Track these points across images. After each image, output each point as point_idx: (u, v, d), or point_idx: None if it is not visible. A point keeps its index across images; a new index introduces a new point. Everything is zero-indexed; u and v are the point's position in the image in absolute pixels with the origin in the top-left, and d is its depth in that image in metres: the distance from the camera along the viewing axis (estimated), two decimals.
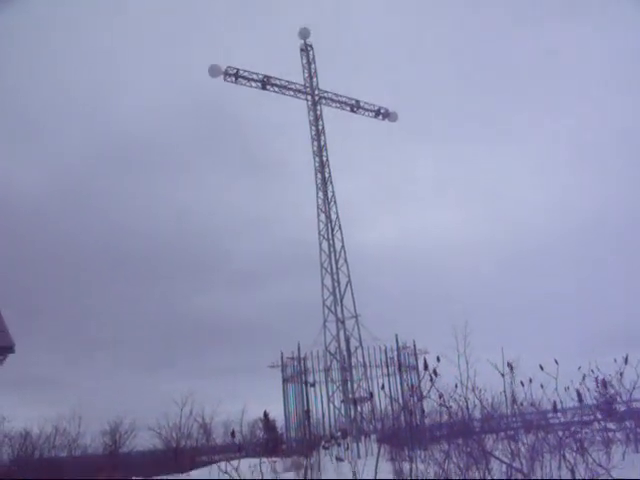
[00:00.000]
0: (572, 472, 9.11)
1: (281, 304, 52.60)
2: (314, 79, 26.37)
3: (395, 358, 20.08)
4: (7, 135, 54.24)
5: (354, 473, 8.98)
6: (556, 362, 9.89)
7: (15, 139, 56.39)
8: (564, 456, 9.43)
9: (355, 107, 27.13)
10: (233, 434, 9.45)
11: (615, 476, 7.22)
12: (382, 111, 27.42)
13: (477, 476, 9.02)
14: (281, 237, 61.26)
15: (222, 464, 9.10)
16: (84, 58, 59.37)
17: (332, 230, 23.88)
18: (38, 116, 57.63)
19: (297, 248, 50.95)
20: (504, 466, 9.16)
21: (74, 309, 54.30)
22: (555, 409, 10.06)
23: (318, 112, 26.05)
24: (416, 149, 64.21)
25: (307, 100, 26.21)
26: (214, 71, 24.76)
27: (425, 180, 69.03)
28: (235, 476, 8.44)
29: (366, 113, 27.41)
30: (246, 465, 8.99)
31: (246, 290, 62.93)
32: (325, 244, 23.72)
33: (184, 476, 9.69)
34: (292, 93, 26.15)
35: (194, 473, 10.97)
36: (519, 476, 8.83)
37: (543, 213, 67.24)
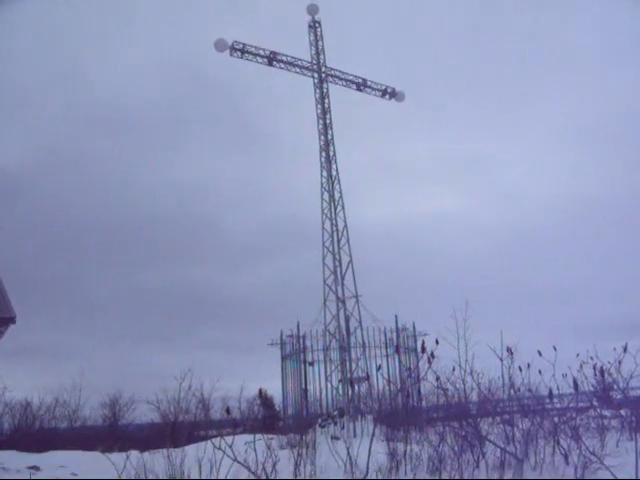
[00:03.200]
0: (566, 458, 9.13)
1: (281, 281, 52.68)
2: (321, 56, 26.04)
3: (394, 339, 20.13)
4: None
5: (348, 451, 8.99)
6: (554, 348, 9.88)
7: None
8: (558, 442, 9.45)
9: (362, 86, 26.77)
10: (228, 411, 9.46)
11: (607, 463, 7.19)
12: (389, 90, 27.07)
13: (471, 459, 9.05)
14: (280, 213, 60.93)
15: (216, 440, 9.12)
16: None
17: (335, 209, 23.77)
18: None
19: (296, 225, 50.83)
20: (498, 450, 9.18)
21: (74, 281, 54.60)
22: (551, 396, 10.04)
23: (324, 90, 25.77)
24: (421, 129, 63.79)
25: (313, 77, 25.87)
26: (220, 45, 24.43)
27: (429, 161, 68.67)
28: (229, 452, 8.45)
29: (373, 92, 27.07)
30: (242, 441, 8.99)
31: (246, 265, 63.01)
32: (328, 223, 23.63)
33: (179, 451, 9.73)
34: (299, 70, 25.80)
35: (189, 448, 10.99)
36: (513, 460, 8.84)
37: (547, 199, 67.05)
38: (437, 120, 65.87)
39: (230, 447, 8.41)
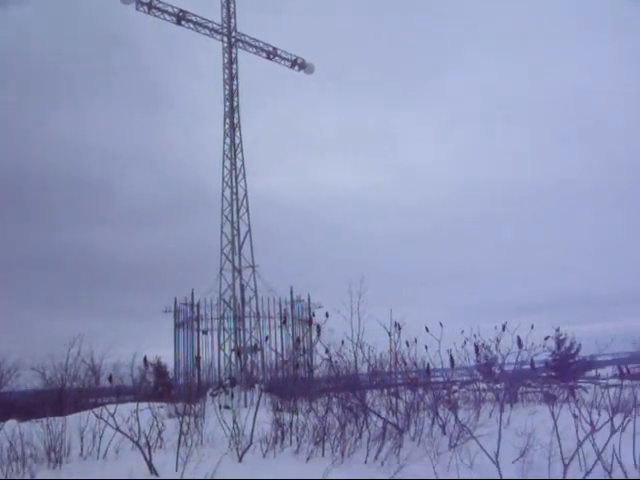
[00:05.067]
0: (443, 428, 9.64)
1: (178, 247, 51.67)
2: (232, 20, 25.33)
3: (289, 310, 20.31)
4: None
5: (235, 421, 9.00)
6: (441, 325, 10.34)
7: None
8: (437, 413, 9.95)
9: (272, 54, 26.33)
10: (111, 379, 9.22)
11: (480, 433, 7.63)
12: (299, 61, 26.78)
13: (355, 430, 9.33)
14: (180, 177, 59.50)
15: (99, 409, 8.88)
16: None
17: (236, 177, 23.44)
18: None
19: (196, 191, 49.87)
20: (382, 421, 9.52)
21: None
22: (428, 370, 10.53)
23: (233, 55, 25.14)
24: (330, 103, 64.11)
25: (223, 41, 25.15)
26: None
27: (336, 135, 69.32)
28: (112, 422, 8.26)
29: (282, 62, 26.66)
30: (130, 410, 8.79)
31: (143, 230, 61.38)
32: (228, 191, 23.28)
33: (61, 419, 9.43)
34: (208, 32, 24.93)
35: (72, 417, 10.65)
36: (394, 431, 9.20)
37: (452, 181, 69.64)
38: (347, 95, 66.40)
39: (112, 416, 8.22)
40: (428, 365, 10.54)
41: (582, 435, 6.85)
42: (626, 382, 10.21)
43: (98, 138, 59.39)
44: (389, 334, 10.79)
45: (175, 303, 20.78)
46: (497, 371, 12.84)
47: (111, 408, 8.55)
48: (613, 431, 6.99)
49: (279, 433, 9.29)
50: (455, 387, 13.72)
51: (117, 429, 8.15)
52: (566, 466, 6.33)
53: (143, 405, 9.76)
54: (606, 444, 6.82)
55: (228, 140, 23.84)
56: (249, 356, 20.43)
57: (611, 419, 7.16)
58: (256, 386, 17.56)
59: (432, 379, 11.54)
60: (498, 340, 10.39)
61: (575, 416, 7.07)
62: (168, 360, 29.10)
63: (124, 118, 61.58)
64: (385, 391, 12.04)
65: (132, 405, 9.43)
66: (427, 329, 10.43)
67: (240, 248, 22.48)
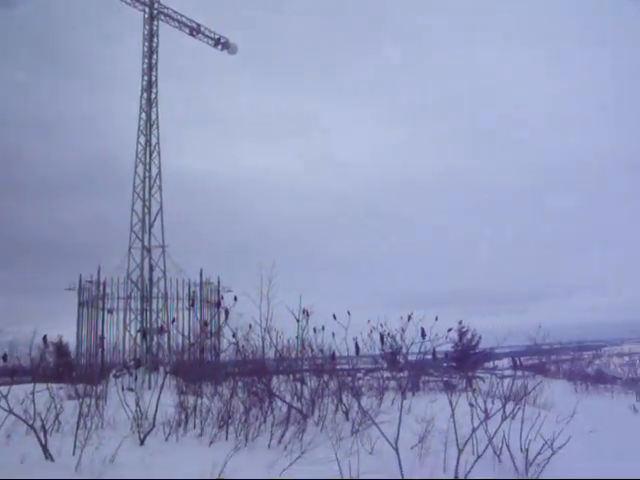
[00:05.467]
0: (346, 414, 9.85)
1: (85, 222, 49.55)
2: None
3: (198, 292, 20.07)
4: None
5: (138, 403, 8.82)
6: (348, 313, 10.53)
7: None
8: (341, 400, 10.16)
9: (195, 31, 25.65)
10: (5, 358, 8.77)
11: (382, 419, 7.83)
12: (222, 41, 26.26)
13: (260, 414, 9.36)
14: (92, 150, 56.86)
15: None
16: None
17: (150, 154, 22.80)
18: None
19: (108, 165, 48.05)
20: (286, 406, 9.61)
21: None
22: (334, 357, 10.73)
23: (154, 28, 24.30)
24: (249, 83, 63.37)
25: (144, 12, 24.28)
26: None
27: (255, 118, 68.71)
28: (3, 403, 7.86)
29: (205, 40, 26.05)
30: (24, 391, 8.39)
31: (48, 201, 58.31)
32: (141, 168, 22.63)
33: None
34: (129, 1, 23.98)
35: None
36: (298, 416, 9.32)
37: (372, 169, 70.63)
38: (270, 79, 65.96)
39: (5, 397, 7.81)
40: (334, 352, 10.74)
41: (477, 422, 7.19)
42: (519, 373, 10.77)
43: (3, 102, 55.82)
44: (297, 320, 10.89)
45: (80, 280, 20.09)
46: (401, 360, 13.24)
47: (4, 389, 8.13)
48: (504, 418, 7.38)
49: (183, 416, 9.18)
50: (360, 374, 14.06)
51: (10, 411, 7.75)
52: (460, 451, 6.61)
53: (41, 386, 9.35)
54: (497, 430, 7.22)
55: (144, 115, 23.12)
56: (155, 338, 20.04)
57: (503, 407, 7.55)
58: (161, 368, 17.27)
59: (337, 366, 11.74)
60: (403, 330, 10.69)
61: (471, 404, 7.41)
62: (70, 339, 28.13)
63: (35, 83, 58.16)
64: (291, 377, 12.13)
65: (29, 386, 9.01)
66: (335, 317, 10.59)
67: (151, 227, 21.96)
